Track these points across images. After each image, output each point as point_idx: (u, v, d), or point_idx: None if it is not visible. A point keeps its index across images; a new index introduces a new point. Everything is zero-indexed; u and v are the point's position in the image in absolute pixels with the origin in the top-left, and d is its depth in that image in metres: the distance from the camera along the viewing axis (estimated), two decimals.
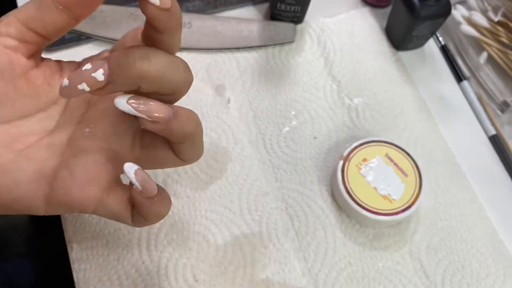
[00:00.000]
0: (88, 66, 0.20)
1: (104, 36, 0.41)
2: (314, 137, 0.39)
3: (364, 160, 0.35)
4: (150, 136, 0.26)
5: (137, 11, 0.43)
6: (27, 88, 0.23)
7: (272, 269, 0.34)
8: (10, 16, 0.22)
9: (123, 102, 0.21)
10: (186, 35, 0.42)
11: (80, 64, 0.26)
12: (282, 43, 0.43)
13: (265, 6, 0.46)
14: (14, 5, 0.43)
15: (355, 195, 0.34)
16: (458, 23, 0.43)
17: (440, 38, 0.46)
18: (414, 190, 0.35)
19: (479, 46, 0.44)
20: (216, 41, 0.42)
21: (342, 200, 0.35)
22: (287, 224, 0.35)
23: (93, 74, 0.20)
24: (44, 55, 0.44)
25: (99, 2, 0.22)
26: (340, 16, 0.45)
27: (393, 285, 0.34)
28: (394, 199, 0.34)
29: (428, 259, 0.35)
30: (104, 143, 0.24)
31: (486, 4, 0.43)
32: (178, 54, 0.42)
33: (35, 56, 0.23)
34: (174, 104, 0.23)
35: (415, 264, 0.35)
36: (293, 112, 0.40)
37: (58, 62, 0.25)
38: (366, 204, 0.34)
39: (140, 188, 0.23)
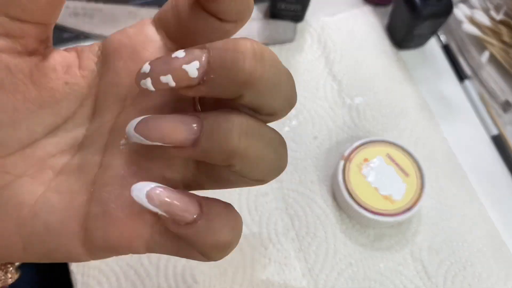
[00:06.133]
0: (180, 53, 0.15)
1: (103, 35, 0.41)
2: (315, 137, 0.39)
3: (365, 160, 0.35)
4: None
5: (136, 10, 0.42)
6: (40, 94, 0.17)
7: (272, 269, 0.33)
8: None
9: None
10: None
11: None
12: (282, 42, 0.43)
13: (265, 4, 0.45)
14: None
15: (356, 195, 0.34)
16: (460, 22, 0.43)
17: (442, 37, 0.46)
18: (416, 191, 0.34)
19: (481, 45, 0.44)
20: None
21: (343, 201, 0.34)
22: (287, 225, 0.35)
23: (184, 66, 0.15)
24: None
25: None
26: (341, 15, 0.45)
27: (394, 286, 0.34)
28: (395, 200, 0.34)
29: (430, 260, 0.35)
30: (144, 159, 0.18)
31: (488, 3, 0.43)
32: None
33: (38, 51, 0.17)
34: None
35: (416, 265, 0.35)
36: (293, 112, 0.40)
37: (74, 49, 0.19)
38: (367, 205, 0.33)
39: (166, 215, 0.16)
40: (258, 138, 0.16)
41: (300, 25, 0.44)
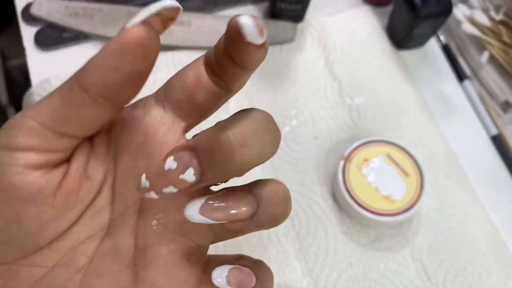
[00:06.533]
0: (172, 163, 0.16)
1: (103, 35, 0.41)
2: (315, 137, 0.39)
3: (365, 160, 0.35)
4: None
5: (136, 10, 0.42)
6: (66, 200, 0.18)
7: (272, 270, 0.33)
8: (27, 119, 0.16)
9: (196, 215, 0.17)
10: (186, 34, 0.42)
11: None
12: (283, 42, 0.43)
13: (265, 4, 0.45)
14: (12, 3, 0.43)
15: (356, 195, 0.34)
16: (460, 22, 0.43)
17: (442, 37, 0.46)
18: (416, 191, 0.34)
19: (480, 45, 0.44)
20: (215, 40, 0.41)
21: (343, 201, 0.34)
22: (288, 225, 0.35)
23: (181, 176, 0.16)
24: (41, 55, 0.43)
25: (146, 77, 0.17)
26: (341, 14, 0.45)
27: (395, 286, 0.34)
28: (395, 200, 0.34)
29: (430, 260, 0.35)
30: (178, 234, 0.19)
31: (487, 3, 0.43)
32: (177, 53, 0.42)
33: (65, 159, 0.18)
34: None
35: (416, 265, 0.35)
36: (293, 112, 0.40)
37: (88, 141, 0.19)
38: (367, 205, 0.33)
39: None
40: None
41: (300, 25, 0.44)
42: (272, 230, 0.35)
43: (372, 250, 0.35)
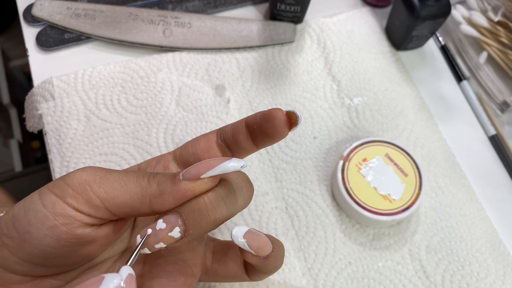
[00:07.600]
0: (162, 224, 0.20)
1: (103, 36, 0.41)
2: (314, 137, 0.39)
3: (364, 160, 0.35)
4: (222, 252, 0.27)
5: (137, 11, 0.42)
6: (113, 240, 0.23)
7: None
8: (93, 195, 0.20)
9: (240, 239, 0.22)
10: (186, 35, 0.42)
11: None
12: (282, 43, 0.43)
13: (265, 6, 0.46)
14: (13, 4, 0.43)
15: (355, 195, 0.34)
16: (458, 23, 0.43)
17: (440, 38, 0.46)
18: (414, 190, 0.35)
19: (479, 46, 0.44)
20: (215, 41, 0.42)
21: (342, 200, 0.35)
22: (287, 224, 0.35)
23: (169, 234, 0.20)
24: (42, 55, 0.43)
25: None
26: (340, 16, 0.45)
27: (393, 285, 0.34)
28: (394, 199, 0.34)
29: (428, 259, 0.35)
30: (179, 258, 0.24)
31: (486, 4, 0.43)
32: (178, 54, 0.42)
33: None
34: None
35: (415, 264, 0.35)
36: None
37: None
38: (366, 204, 0.34)
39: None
40: None
41: (299, 26, 0.44)
42: (271, 229, 0.35)
43: (371, 249, 0.35)
